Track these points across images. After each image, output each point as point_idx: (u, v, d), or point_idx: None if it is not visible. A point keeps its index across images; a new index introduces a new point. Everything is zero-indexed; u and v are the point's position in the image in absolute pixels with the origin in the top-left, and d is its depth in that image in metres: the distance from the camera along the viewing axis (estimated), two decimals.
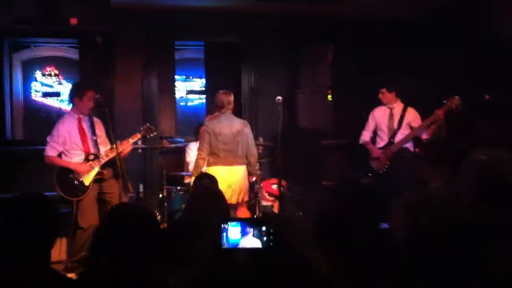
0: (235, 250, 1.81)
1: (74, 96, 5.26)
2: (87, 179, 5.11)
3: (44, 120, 8.62)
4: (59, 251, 5.46)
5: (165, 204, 5.80)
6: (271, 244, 1.82)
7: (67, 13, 6.45)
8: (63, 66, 8.81)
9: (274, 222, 1.88)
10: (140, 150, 7.13)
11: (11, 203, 2.06)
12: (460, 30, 6.21)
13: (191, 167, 6.02)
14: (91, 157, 5.14)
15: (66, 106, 8.88)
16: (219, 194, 3.18)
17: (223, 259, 1.84)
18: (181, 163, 6.75)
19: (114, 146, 5.09)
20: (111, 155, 5.12)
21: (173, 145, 6.53)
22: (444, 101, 5.43)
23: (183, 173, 6.30)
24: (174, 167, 6.80)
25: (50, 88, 8.85)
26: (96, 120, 5.36)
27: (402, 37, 7.07)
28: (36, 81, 8.79)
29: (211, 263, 1.87)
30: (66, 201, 5.10)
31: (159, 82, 7.31)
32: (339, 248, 2.13)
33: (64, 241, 5.54)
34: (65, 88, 8.94)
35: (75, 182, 5.08)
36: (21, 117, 8.27)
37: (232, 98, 5.38)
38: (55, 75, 8.83)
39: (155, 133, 5.55)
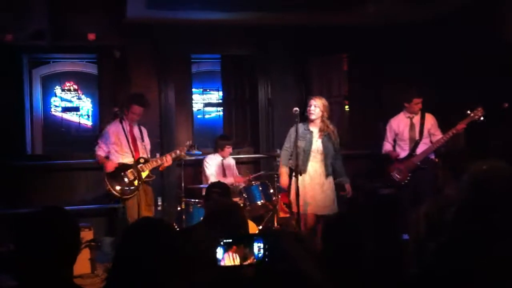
0: (234, 267, 1.81)
1: (126, 104, 5.52)
2: (137, 181, 5.37)
3: (63, 135, 8.74)
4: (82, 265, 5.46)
5: (184, 217, 5.81)
6: (266, 259, 1.81)
7: (84, 28, 6.54)
8: (82, 81, 8.93)
9: (272, 237, 1.87)
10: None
11: (31, 217, 2.06)
12: (472, 34, 6.15)
13: (212, 179, 6.03)
14: (142, 160, 5.43)
15: (85, 121, 9.00)
16: (231, 208, 3.09)
17: (220, 275, 1.83)
18: (200, 176, 6.76)
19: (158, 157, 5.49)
20: (160, 163, 5.48)
21: (191, 158, 6.54)
22: (468, 112, 5.35)
23: (201, 186, 6.30)
24: (192, 180, 6.81)
25: (70, 103, 8.98)
26: (143, 129, 5.69)
27: (413, 44, 7.05)
28: (56, 96, 8.92)
29: (209, 279, 1.86)
30: (84, 214, 5.16)
31: (176, 95, 7.35)
32: (347, 264, 2.11)
33: (87, 254, 5.55)
34: (84, 102, 9.05)
35: (126, 181, 5.33)
36: (40, 131, 8.38)
37: (311, 102, 5.26)
38: (74, 90, 8.95)
39: (196, 151, 5.80)
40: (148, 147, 5.67)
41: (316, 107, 5.17)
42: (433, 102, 6.09)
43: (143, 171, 5.42)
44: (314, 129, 5.22)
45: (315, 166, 5.16)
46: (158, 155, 5.72)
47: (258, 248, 1.83)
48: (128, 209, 5.38)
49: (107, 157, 5.45)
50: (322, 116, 5.20)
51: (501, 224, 1.96)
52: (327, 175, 5.20)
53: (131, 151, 5.39)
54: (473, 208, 2.02)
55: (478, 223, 1.97)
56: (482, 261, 1.85)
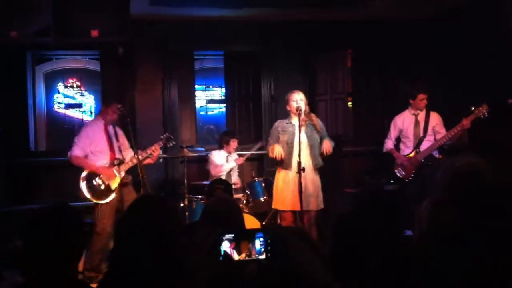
0: (236, 263, 1.80)
1: (102, 103, 5.33)
2: (114, 183, 5.15)
3: (66, 132, 8.74)
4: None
5: (187, 213, 5.81)
6: (268, 255, 1.80)
7: (87, 25, 6.53)
8: (85, 78, 8.93)
9: (272, 233, 1.86)
10: (161, 160, 7.16)
11: (38, 213, 2.06)
12: (476, 31, 6.13)
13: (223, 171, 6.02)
14: (116, 161, 5.21)
15: (88, 117, 9.00)
16: (231, 204, 3.06)
17: (223, 272, 1.82)
18: (203, 172, 6.77)
19: (136, 154, 5.10)
20: (135, 162, 5.16)
21: (194, 154, 6.54)
22: (473, 109, 5.32)
23: (205, 182, 6.31)
24: (195, 176, 6.82)
25: (73, 100, 8.98)
26: (118, 128, 5.46)
27: (418, 40, 7.03)
28: (59, 93, 8.93)
29: (213, 275, 1.86)
30: (90, 210, 5.13)
31: (179, 92, 7.35)
32: (357, 263, 2.10)
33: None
34: (87, 99, 9.05)
35: (102, 185, 5.12)
36: (44, 128, 8.39)
37: (295, 96, 5.08)
38: (77, 86, 8.95)
39: (174, 142, 5.65)
40: (125, 146, 5.35)
41: (302, 100, 5.04)
42: (438, 101, 6.08)
43: (119, 173, 5.17)
44: (296, 122, 4.99)
45: (304, 160, 4.88)
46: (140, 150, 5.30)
47: (260, 243, 1.82)
48: (100, 215, 5.07)
49: (86, 157, 5.17)
50: (305, 110, 5.04)
51: (480, 219, 1.95)
52: (315, 168, 5.06)
53: (107, 153, 5.20)
54: (448, 203, 2.02)
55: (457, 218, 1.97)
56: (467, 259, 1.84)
